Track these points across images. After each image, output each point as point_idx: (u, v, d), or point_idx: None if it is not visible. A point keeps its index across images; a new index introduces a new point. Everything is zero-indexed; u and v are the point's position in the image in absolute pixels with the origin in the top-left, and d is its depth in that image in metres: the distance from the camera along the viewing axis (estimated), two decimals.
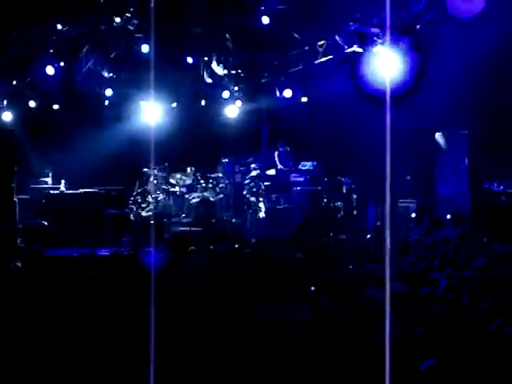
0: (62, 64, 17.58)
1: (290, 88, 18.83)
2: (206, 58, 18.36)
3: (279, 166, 19.46)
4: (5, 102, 18.02)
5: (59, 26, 16.57)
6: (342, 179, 18.57)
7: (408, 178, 18.13)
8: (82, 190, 17.80)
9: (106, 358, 6.71)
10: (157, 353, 5.96)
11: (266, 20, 16.17)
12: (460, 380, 5.87)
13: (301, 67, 18.40)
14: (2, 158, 15.98)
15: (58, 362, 6.64)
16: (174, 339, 6.94)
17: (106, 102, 19.15)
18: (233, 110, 19.69)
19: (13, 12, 15.74)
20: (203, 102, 19.80)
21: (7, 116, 18.04)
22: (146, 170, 19.17)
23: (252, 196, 18.66)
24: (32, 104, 18.41)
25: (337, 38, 16.24)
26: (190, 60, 18.14)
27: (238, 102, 19.58)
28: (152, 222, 17.60)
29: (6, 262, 10.89)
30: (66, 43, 17.29)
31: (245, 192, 18.78)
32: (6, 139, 16.30)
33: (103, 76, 18.31)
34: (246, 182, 18.92)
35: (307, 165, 19.21)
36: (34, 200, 17.60)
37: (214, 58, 18.26)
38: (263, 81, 19.72)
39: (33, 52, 17.13)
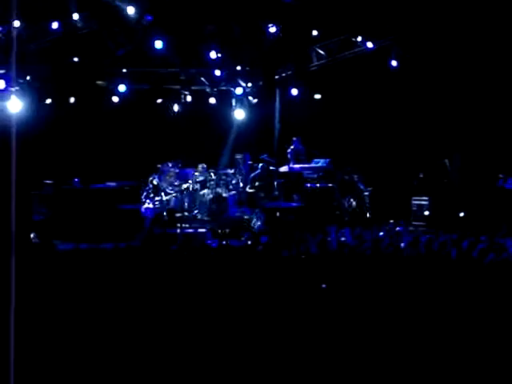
0: (76, 60, 17.66)
1: (303, 85, 18.88)
2: (219, 55, 18.39)
3: (292, 163, 19.44)
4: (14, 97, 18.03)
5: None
6: (355, 176, 18.55)
7: (421, 175, 18.09)
8: (95, 186, 17.86)
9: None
10: None
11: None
12: None
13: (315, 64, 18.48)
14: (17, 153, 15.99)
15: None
16: None
17: (119, 98, 19.16)
18: (240, 113, 19.76)
19: (30, 7, 15.83)
20: (214, 100, 19.87)
21: (16, 107, 17.84)
22: (159, 165, 19.21)
23: (262, 192, 18.69)
24: (47, 99, 18.49)
25: None
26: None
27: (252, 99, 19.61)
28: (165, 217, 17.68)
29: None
30: (81, 39, 17.35)
31: (250, 187, 18.82)
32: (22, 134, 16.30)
33: (117, 71, 18.35)
34: (252, 176, 18.96)
35: (320, 162, 19.18)
36: (47, 195, 17.68)
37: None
38: (277, 77, 19.77)
39: (49, 47, 17.19)
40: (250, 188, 18.82)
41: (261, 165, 18.98)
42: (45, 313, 7.83)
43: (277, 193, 18.68)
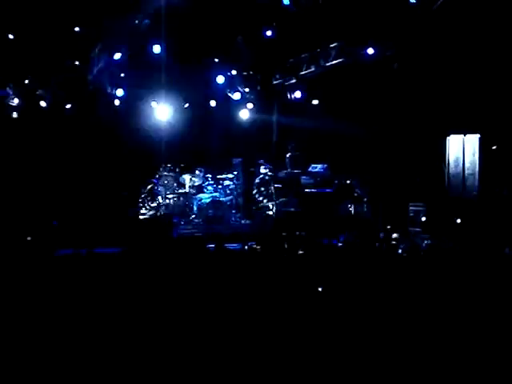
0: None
1: (300, 90, 18.98)
2: (216, 60, 18.43)
3: (289, 169, 19.46)
4: (16, 100, 18.05)
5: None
6: (353, 182, 18.57)
7: (418, 180, 18.11)
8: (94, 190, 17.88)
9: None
10: None
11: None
12: None
13: (312, 69, 18.55)
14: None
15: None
16: None
17: (117, 102, 19.16)
18: (245, 113, 19.82)
19: (27, 12, 15.86)
20: (213, 103, 19.86)
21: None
22: (156, 170, 19.21)
23: (262, 197, 18.69)
24: (43, 103, 18.48)
25: None
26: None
27: (249, 104, 19.67)
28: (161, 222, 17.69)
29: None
30: (79, 43, 17.37)
31: (254, 192, 18.83)
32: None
33: (115, 76, 18.36)
34: (256, 182, 18.95)
35: (317, 167, 19.20)
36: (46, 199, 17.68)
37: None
38: (274, 82, 19.82)
39: (47, 51, 17.22)
40: (254, 193, 18.87)
41: (261, 170, 19.00)
42: (40, 317, 7.82)
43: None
